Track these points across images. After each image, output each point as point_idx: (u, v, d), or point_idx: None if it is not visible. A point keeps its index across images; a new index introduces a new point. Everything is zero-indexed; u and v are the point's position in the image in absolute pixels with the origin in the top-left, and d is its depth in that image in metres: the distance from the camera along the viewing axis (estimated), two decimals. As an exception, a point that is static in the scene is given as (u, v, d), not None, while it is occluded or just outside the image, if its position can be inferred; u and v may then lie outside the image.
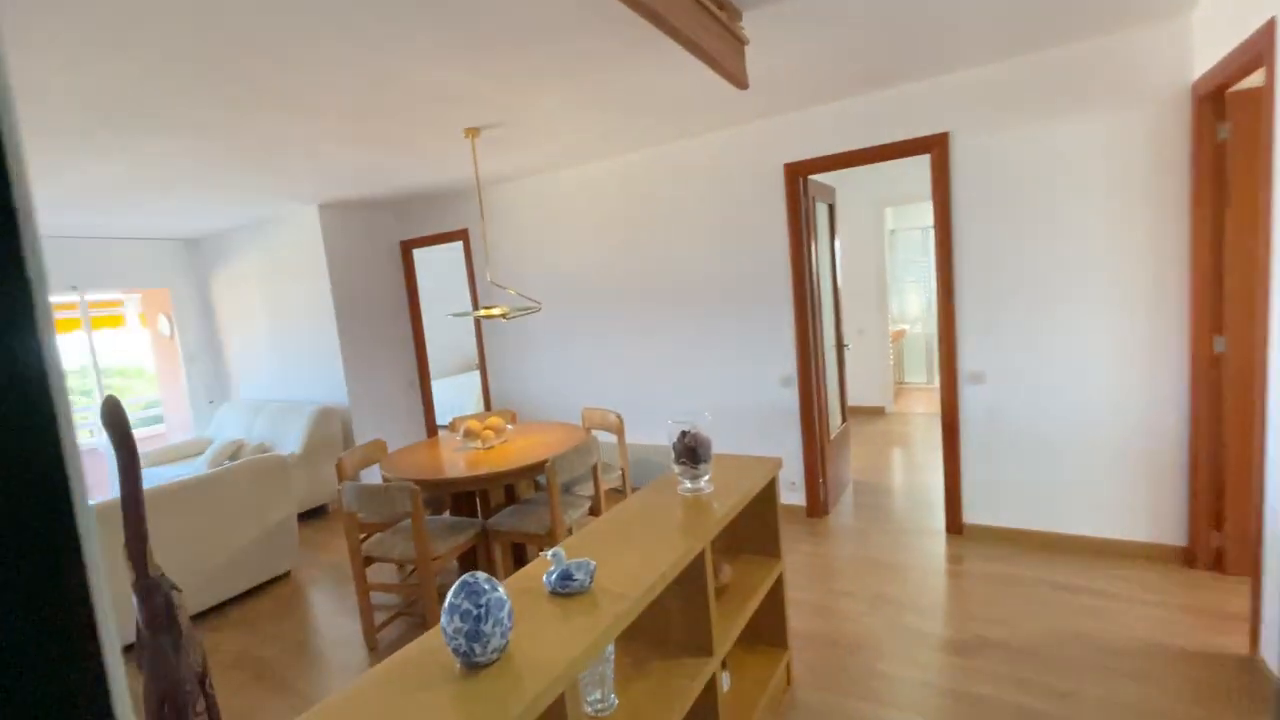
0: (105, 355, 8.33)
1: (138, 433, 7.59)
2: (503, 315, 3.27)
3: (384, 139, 3.24)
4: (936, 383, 7.21)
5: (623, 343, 4.39)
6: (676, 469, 2.06)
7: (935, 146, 3.19)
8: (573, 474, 2.92)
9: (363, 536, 3.22)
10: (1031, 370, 3.13)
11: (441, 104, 2.81)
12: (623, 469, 3.61)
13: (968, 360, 3.28)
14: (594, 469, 3.16)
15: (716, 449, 4.10)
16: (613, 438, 4.38)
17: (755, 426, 3.93)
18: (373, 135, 3.16)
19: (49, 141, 2.78)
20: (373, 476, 4.50)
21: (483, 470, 2.96)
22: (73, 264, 5.27)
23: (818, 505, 3.81)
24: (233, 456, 4.92)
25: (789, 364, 3.76)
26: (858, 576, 3.08)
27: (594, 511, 3.26)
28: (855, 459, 4.81)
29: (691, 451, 2.02)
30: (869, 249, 6.19)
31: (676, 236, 4.05)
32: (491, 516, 3.16)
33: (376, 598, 3.32)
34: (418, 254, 5.58)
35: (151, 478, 5.05)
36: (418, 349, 5.60)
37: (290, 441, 4.81)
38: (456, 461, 3.15)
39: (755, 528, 2.32)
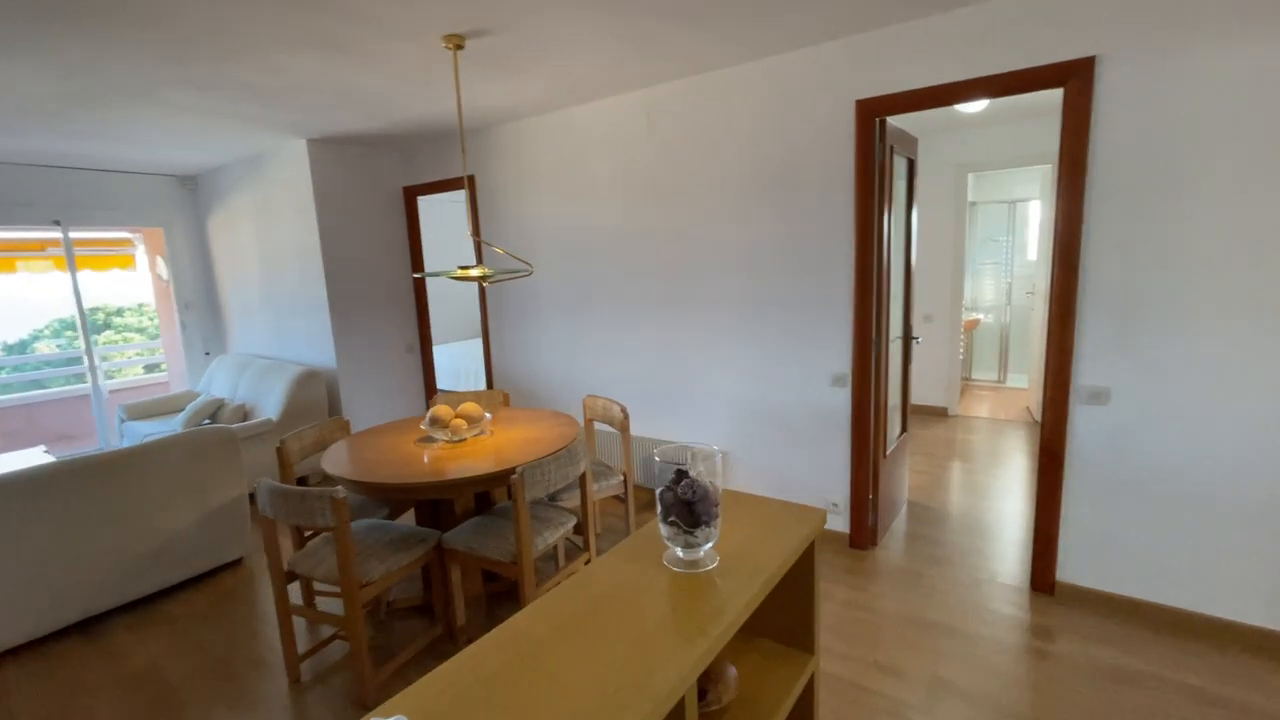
0: (114, 298, 8.14)
1: (141, 380, 7.40)
2: (483, 278, 2.61)
3: (340, 42, 2.56)
4: (1011, 383, 6.26)
5: (638, 320, 3.68)
6: (664, 529, 1.37)
7: (1072, 77, 2.31)
8: (552, 486, 2.28)
9: (308, 534, 2.69)
10: (1179, 395, 2.29)
11: (398, -9, 2.11)
12: (625, 474, 2.95)
13: (1086, 373, 2.45)
14: (582, 479, 2.50)
15: (739, 464, 3.40)
16: (616, 433, 3.73)
17: (792, 433, 3.20)
18: (323, 36, 2.48)
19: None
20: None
21: (443, 473, 2.34)
22: (54, 195, 4.84)
23: (864, 534, 3.08)
24: (212, 417, 4.49)
25: (842, 358, 2.99)
26: (910, 645, 2.36)
27: (579, 530, 2.62)
28: (911, 473, 4.03)
29: (687, 508, 1.32)
30: (944, 222, 5.24)
31: (709, 192, 3.27)
32: (452, 529, 2.55)
33: (322, 603, 2.81)
34: (423, 203, 4.95)
35: (131, 432, 4.69)
36: (419, 309, 5.03)
37: (270, 405, 4.33)
38: (417, 457, 2.55)
39: (779, 604, 1.63)
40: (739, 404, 3.37)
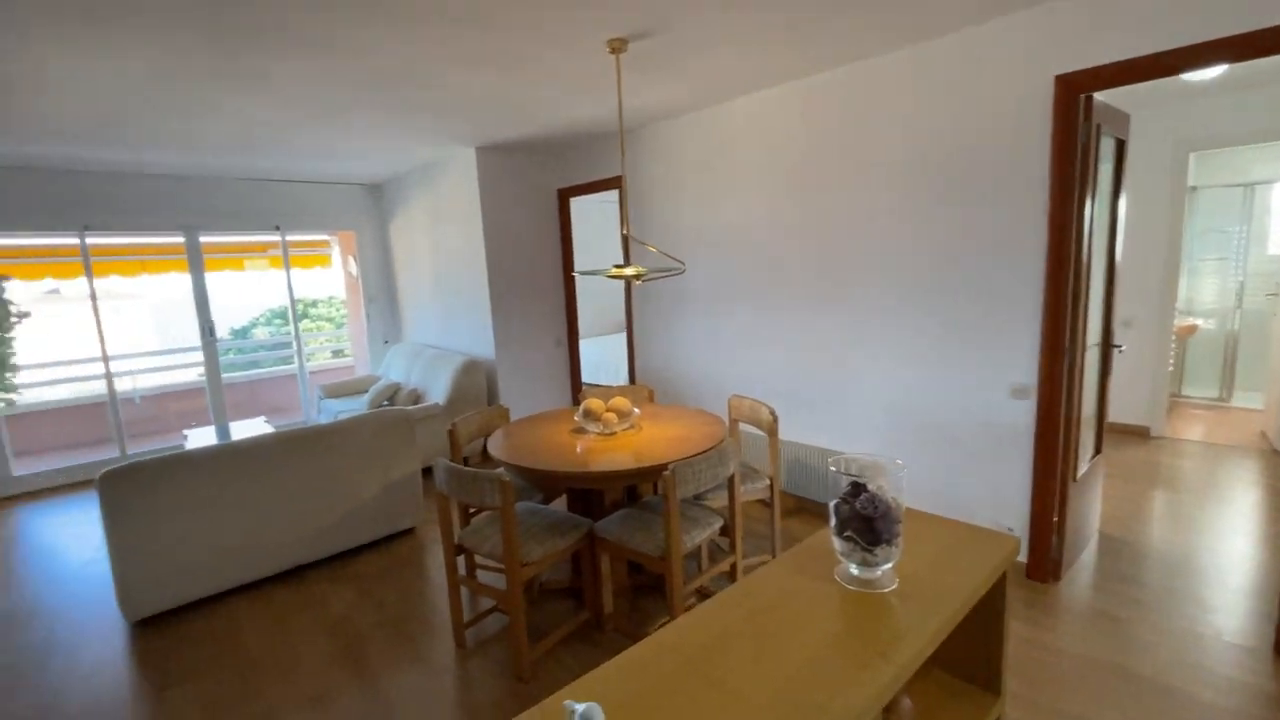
0: (312, 291, 9.40)
1: (337, 365, 8.50)
2: (636, 277, 2.65)
3: (507, 56, 2.72)
4: (1238, 402, 5.26)
5: (789, 319, 3.55)
6: (837, 544, 1.29)
7: (1367, 26, 1.85)
8: (702, 485, 2.26)
9: (473, 511, 2.92)
10: None
11: (573, 3, 2.19)
12: (771, 479, 2.86)
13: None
14: (731, 481, 2.46)
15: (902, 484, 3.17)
16: (763, 436, 3.63)
17: (959, 447, 2.91)
18: (496, 53, 2.66)
19: (198, 76, 2.69)
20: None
21: (596, 465, 2.42)
22: (276, 206, 5.70)
23: (1045, 565, 2.73)
24: (390, 399, 5.04)
25: (1025, 366, 2.67)
26: (1106, 697, 2.05)
27: (725, 532, 2.58)
28: (1105, 501, 3.51)
29: (866, 524, 1.23)
30: (1155, 211, 4.50)
31: (872, 184, 3.07)
32: (604, 518, 2.63)
33: (483, 576, 3.03)
34: (575, 203, 5.17)
35: (326, 409, 5.40)
36: (568, 306, 5.27)
37: (438, 391, 4.77)
38: (571, 447, 2.66)
39: (959, 636, 1.48)
40: (895, 411, 3.13)
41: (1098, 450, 3.04)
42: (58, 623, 2.93)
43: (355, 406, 5.10)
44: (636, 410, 2.90)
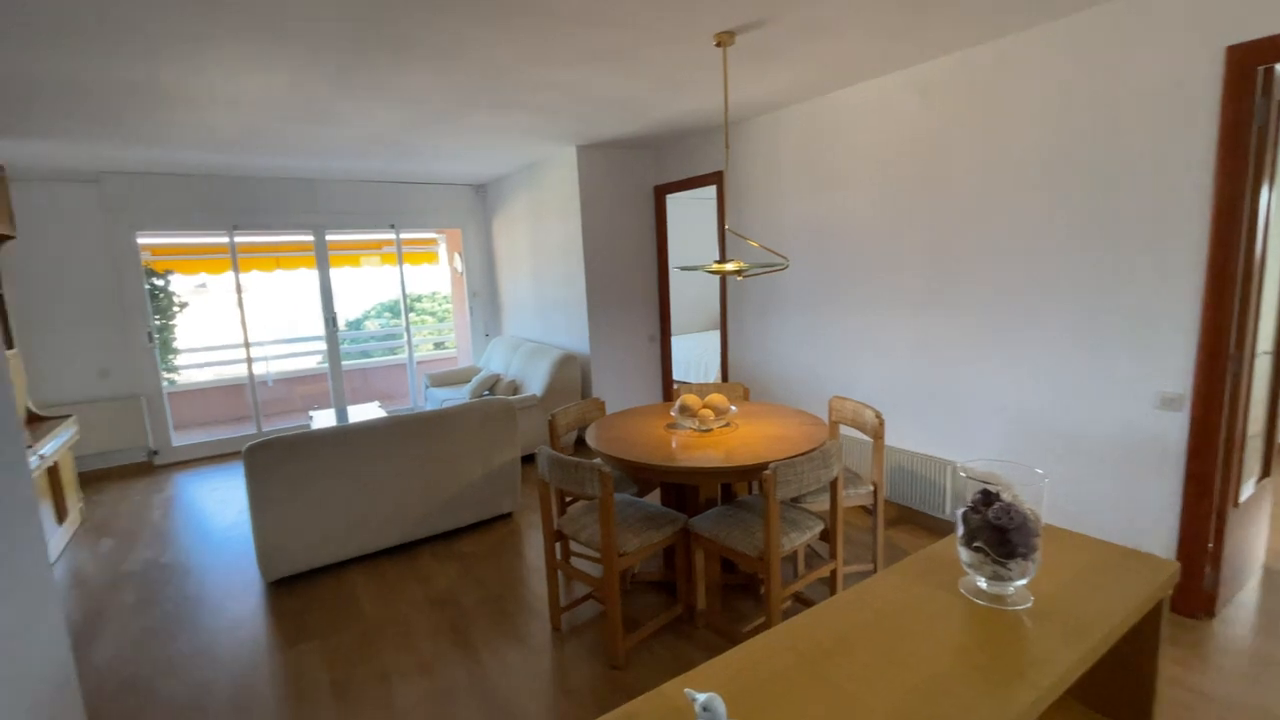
0: (419, 287, 9.98)
1: (440, 356, 9.00)
2: (738, 272, 2.62)
3: (613, 53, 2.75)
4: None
5: (897, 318, 3.38)
6: (964, 554, 1.21)
7: None
8: (804, 487, 2.20)
9: (569, 500, 3.00)
10: None
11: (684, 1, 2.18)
12: (875, 485, 2.74)
13: None
14: (834, 485, 2.38)
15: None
16: (866, 439, 3.47)
17: (1091, 460, 2.65)
18: (604, 51, 2.70)
19: (333, 84, 2.92)
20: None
21: (691, 460, 2.41)
22: (392, 206, 6.12)
23: (1197, 598, 2.43)
24: (491, 389, 5.27)
25: (1177, 374, 2.39)
26: (1279, 758, 1.79)
27: (825, 537, 2.49)
28: (1273, 532, 3.08)
29: (999, 535, 1.14)
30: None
31: (999, 173, 2.85)
32: (698, 514, 2.62)
33: (576, 563, 3.10)
34: (670, 200, 5.18)
35: (432, 397, 5.73)
36: (661, 302, 5.29)
37: (535, 382, 4.94)
38: (667, 442, 2.67)
39: (1102, 667, 1.34)
40: (1014, 418, 2.90)
41: (1265, 473, 2.67)
42: (208, 577, 3.29)
43: (459, 395, 5.39)
44: (733, 408, 2.86)
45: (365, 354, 9.07)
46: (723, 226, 4.46)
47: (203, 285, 8.60)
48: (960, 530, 1.22)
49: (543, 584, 3.00)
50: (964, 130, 2.96)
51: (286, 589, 3.10)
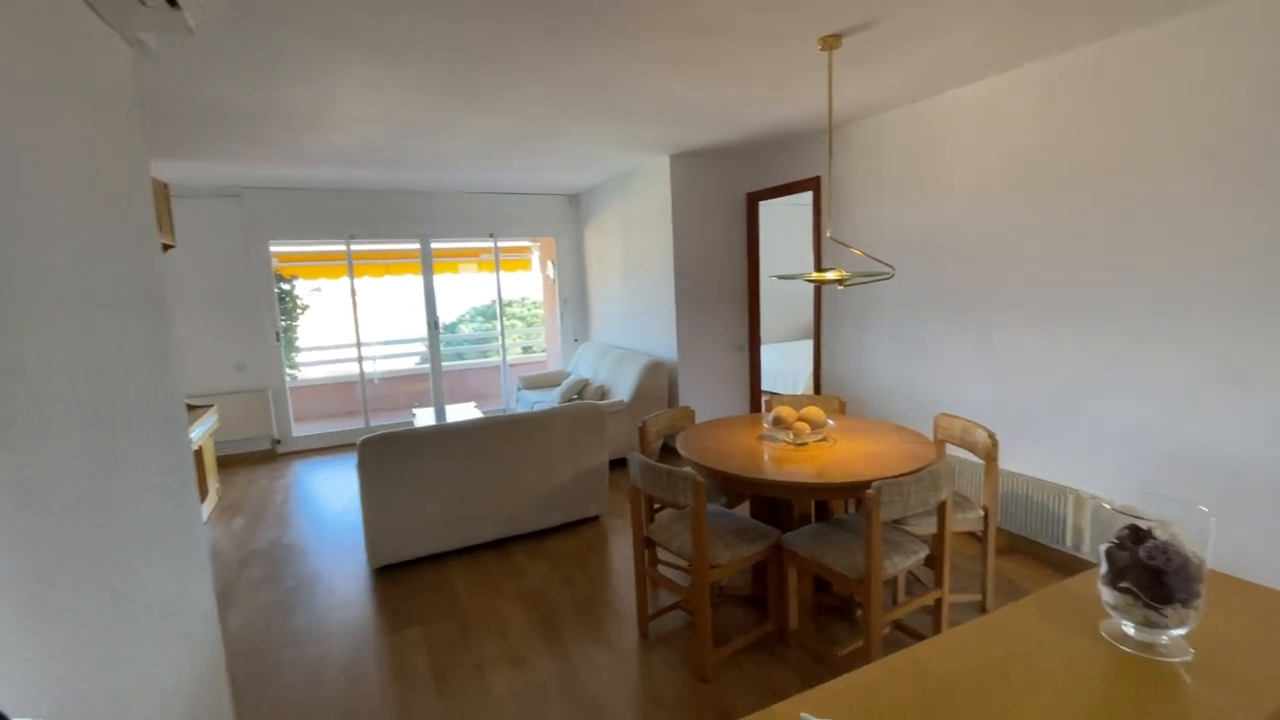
0: (510, 293, 10.37)
1: (528, 360, 9.31)
2: (839, 281, 2.53)
3: (713, 60, 2.74)
4: None
5: (1012, 331, 3.15)
6: (1108, 595, 1.10)
7: None
8: (910, 509, 2.09)
9: (656, 507, 3.01)
10: None
11: (793, 2, 2.15)
12: (986, 511, 2.56)
13: None
14: (942, 508, 2.24)
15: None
16: (976, 461, 3.26)
17: (1243, 497, 2.35)
18: (706, 59, 2.70)
19: (445, 101, 3.11)
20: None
21: (786, 474, 2.36)
22: (491, 215, 6.41)
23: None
24: (579, 394, 5.39)
25: (1358, 405, 2.07)
26: None
27: (930, 563, 2.36)
28: None
29: (1154, 577, 1.03)
30: None
31: (1128, 178, 2.60)
32: (792, 531, 2.55)
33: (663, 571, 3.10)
34: (763, 207, 5.11)
35: (523, 399, 5.93)
36: (751, 310, 5.22)
37: (623, 388, 5.00)
38: (760, 454, 2.62)
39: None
40: (1145, 444, 2.62)
41: None
42: (322, 559, 3.56)
43: (549, 399, 5.55)
44: (830, 422, 2.77)
45: (460, 356, 9.53)
46: (818, 233, 4.34)
47: (317, 289, 9.36)
48: (1104, 568, 1.11)
49: (629, 588, 3.02)
50: (1091, 130, 2.73)
51: (391, 576, 3.30)
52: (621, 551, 3.47)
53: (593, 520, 3.90)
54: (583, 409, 3.75)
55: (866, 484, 2.13)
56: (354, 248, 6.04)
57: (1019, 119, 3.02)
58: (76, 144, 1.18)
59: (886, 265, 2.58)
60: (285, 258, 7.29)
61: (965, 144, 3.28)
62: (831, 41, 2.53)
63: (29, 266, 0.98)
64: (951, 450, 3.37)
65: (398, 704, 2.29)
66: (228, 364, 5.66)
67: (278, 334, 5.78)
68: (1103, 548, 1.12)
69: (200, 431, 4.13)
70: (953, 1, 2.23)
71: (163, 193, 4.20)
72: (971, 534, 2.68)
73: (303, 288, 8.45)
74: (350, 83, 2.83)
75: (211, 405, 4.56)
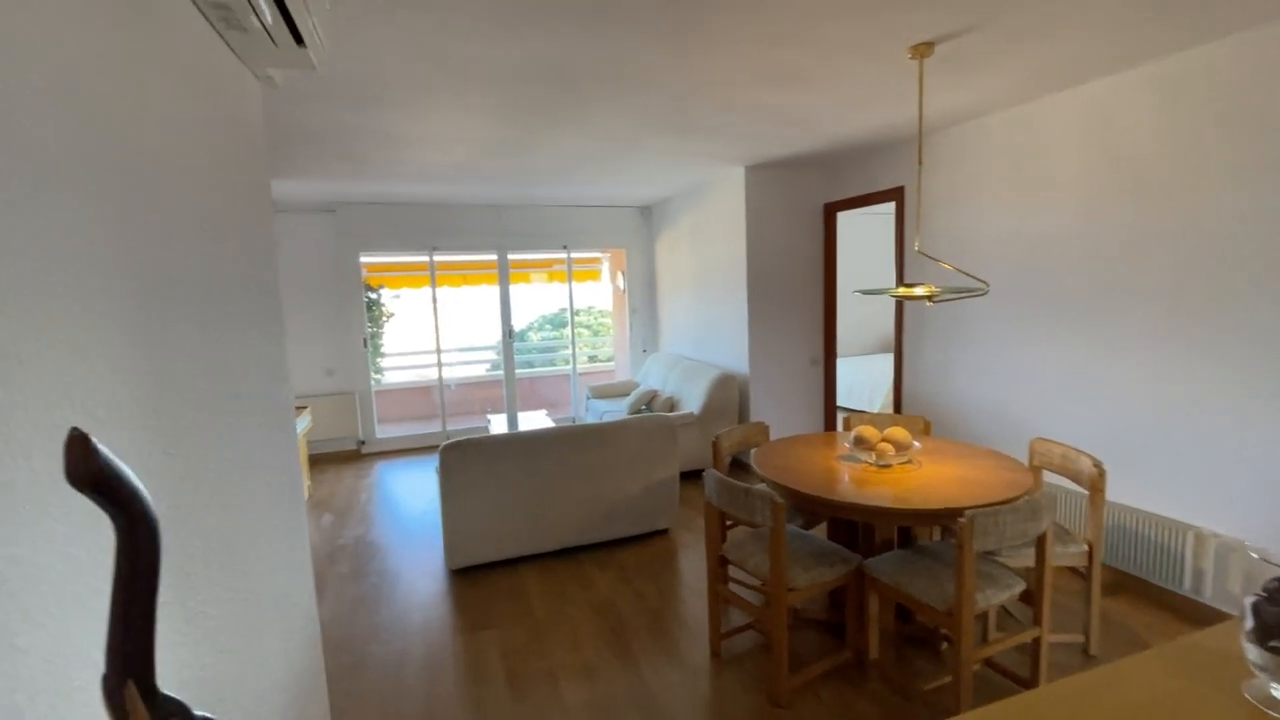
0: (579, 302, 10.57)
1: (594, 369, 9.44)
2: (928, 297, 2.43)
3: (804, 73, 2.70)
4: None
5: (1118, 354, 2.92)
6: (1254, 653, 0.99)
7: None
8: (1006, 541, 1.97)
9: (729, 524, 2.97)
10: None
11: (878, 9, 2.10)
12: (1090, 545, 2.38)
13: None
14: (1041, 540, 2.10)
15: (1269, 573, 2.37)
16: (1078, 490, 3.03)
17: None
18: (791, 71, 2.66)
19: (531, 120, 3.21)
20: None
21: (869, 497, 2.27)
22: (565, 227, 6.56)
23: None
24: (648, 404, 5.41)
25: None
26: None
27: (1026, 598, 2.20)
28: None
29: (1316, 637, 0.92)
30: None
31: (1264, 188, 2.36)
32: (873, 556, 2.45)
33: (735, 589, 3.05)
34: (842, 218, 4.98)
35: (592, 408, 6.01)
36: (827, 324, 5.08)
37: (692, 400, 4.98)
38: (839, 475, 2.54)
39: None
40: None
41: None
42: (403, 557, 3.72)
43: (617, 408, 5.59)
44: (915, 443, 2.65)
45: (529, 364, 9.78)
46: (901, 246, 4.19)
47: (397, 297, 9.86)
48: (1250, 623, 1.00)
49: (700, 604, 2.99)
50: (1219, 133, 2.50)
51: (467, 577, 3.40)
52: (692, 566, 3.44)
53: (662, 533, 3.89)
54: (654, 421, 3.76)
55: (958, 511, 2.02)
56: (436, 259, 6.33)
57: (1130, 123, 2.81)
58: (217, 178, 1.30)
59: (980, 281, 2.45)
60: (373, 268, 7.72)
61: (1069, 151, 3.09)
62: (923, 49, 2.45)
63: (187, 291, 1.08)
64: (1049, 478, 3.15)
65: (474, 704, 2.35)
66: (320, 368, 6.04)
67: (365, 340, 6.11)
68: (1249, 600, 1.01)
69: (296, 432, 4.41)
70: (1060, 3, 2.11)
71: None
72: (1073, 569, 2.48)
73: (387, 296, 8.92)
74: (446, 107, 2.97)
75: (305, 407, 4.87)
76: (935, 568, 2.20)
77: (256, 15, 1.25)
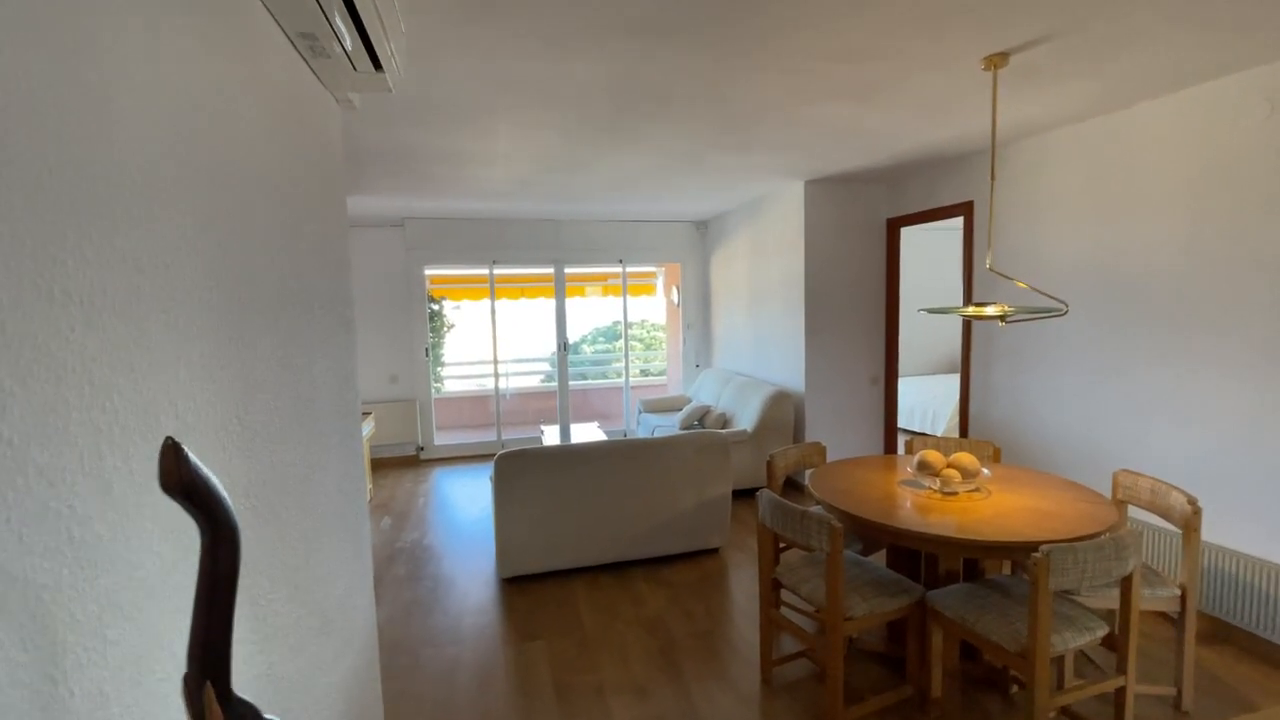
0: (633, 315, 10.63)
1: (646, 382, 9.44)
2: (1000, 317, 2.31)
3: (871, 88, 2.65)
4: None
5: (1216, 379, 2.70)
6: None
7: None
8: (1086, 580, 1.83)
9: (782, 547, 2.89)
10: None
11: (950, 21, 2.03)
12: (1183, 590, 2.18)
13: None
14: (1127, 581, 1.94)
15: None
16: (1169, 528, 2.81)
17: None
18: (857, 86, 2.61)
19: (594, 138, 3.27)
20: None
21: (934, 526, 2.16)
22: (620, 242, 6.62)
23: None
24: (700, 420, 5.36)
25: None
26: None
27: (1110, 643, 2.04)
28: None
29: None
30: None
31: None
32: (937, 588, 2.33)
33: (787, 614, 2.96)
34: (905, 234, 4.83)
35: (644, 422, 6.00)
36: (888, 342, 4.92)
37: (746, 417, 4.90)
38: (902, 500, 2.44)
39: None
40: None
41: None
42: (456, 563, 3.79)
43: (669, 423, 5.57)
44: (984, 470, 2.51)
45: (583, 376, 9.88)
46: (969, 263, 4.02)
47: (458, 308, 10.17)
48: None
49: (751, 627, 2.91)
50: (1338, 144, 2.29)
51: (518, 587, 3.43)
52: (743, 587, 3.36)
53: (713, 552, 3.82)
54: (707, 437, 3.72)
55: (1032, 545, 1.90)
56: (495, 272, 6.50)
57: (1234, 132, 2.61)
58: (298, 196, 1.37)
59: (1058, 301, 2.31)
60: (436, 280, 8.00)
61: (1157, 163, 2.89)
62: (997, 60, 2.35)
63: (267, 303, 1.14)
64: (1135, 513, 2.93)
65: (524, 715, 2.36)
66: (384, 375, 6.28)
67: (427, 350, 6.33)
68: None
69: (362, 437, 4.59)
70: (1153, 9, 1.98)
71: (344, 224, 4.78)
72: (1164, 615, 2.28)
73: (448, 308, 9.23)
74: (511, 125, 3.06)
75: (369, 413, 5.07)
76: (1006, 604, 2.07)
77: (339, 41, 1.32)
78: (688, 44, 2.18)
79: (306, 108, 1.46)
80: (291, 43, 1.34)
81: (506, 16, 1.94)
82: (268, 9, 1.19)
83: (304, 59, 1.41)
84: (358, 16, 1.23)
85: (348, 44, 1.33)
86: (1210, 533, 2.69)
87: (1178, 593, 2.19)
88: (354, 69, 1.47)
